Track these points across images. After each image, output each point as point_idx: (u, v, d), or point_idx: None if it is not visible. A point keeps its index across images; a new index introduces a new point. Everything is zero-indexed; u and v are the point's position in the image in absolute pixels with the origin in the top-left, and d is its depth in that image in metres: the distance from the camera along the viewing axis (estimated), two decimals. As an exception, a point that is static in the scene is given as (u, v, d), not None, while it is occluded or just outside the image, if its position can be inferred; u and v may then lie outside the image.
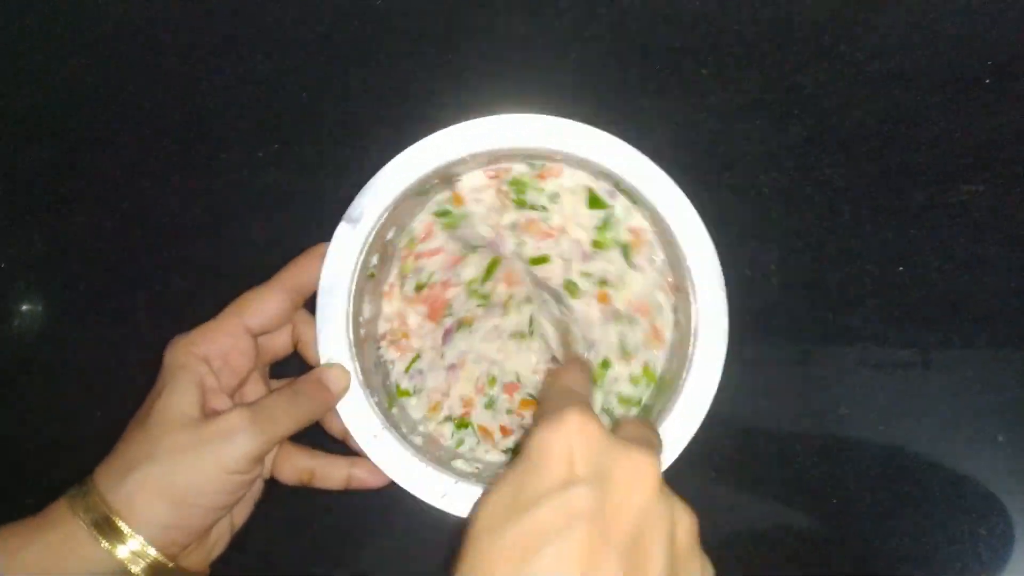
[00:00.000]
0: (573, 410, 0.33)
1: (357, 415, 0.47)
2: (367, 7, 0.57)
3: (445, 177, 0.50)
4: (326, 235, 0.48)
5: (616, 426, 0.38)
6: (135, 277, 0.57)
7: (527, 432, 0.36)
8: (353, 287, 0.48)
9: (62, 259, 0.57)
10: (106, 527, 0.40)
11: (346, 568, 0.54)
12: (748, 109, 0.55)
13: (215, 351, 0.45)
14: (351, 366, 0.47)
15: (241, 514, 0.48)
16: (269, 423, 0.43)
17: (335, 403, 0.47)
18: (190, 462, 0.41)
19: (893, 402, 0.54)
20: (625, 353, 0.51)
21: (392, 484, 0.47)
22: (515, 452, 0.52)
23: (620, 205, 0.51)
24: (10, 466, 0.57)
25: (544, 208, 0.51)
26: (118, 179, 0.57)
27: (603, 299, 0.51)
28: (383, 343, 0.52)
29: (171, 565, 0.41)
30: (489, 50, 0.57)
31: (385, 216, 0.48)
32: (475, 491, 0.46)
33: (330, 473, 0.48)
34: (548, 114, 0.48)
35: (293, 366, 0.50)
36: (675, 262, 0.48)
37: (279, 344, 0.49)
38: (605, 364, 0.51)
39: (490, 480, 0.48)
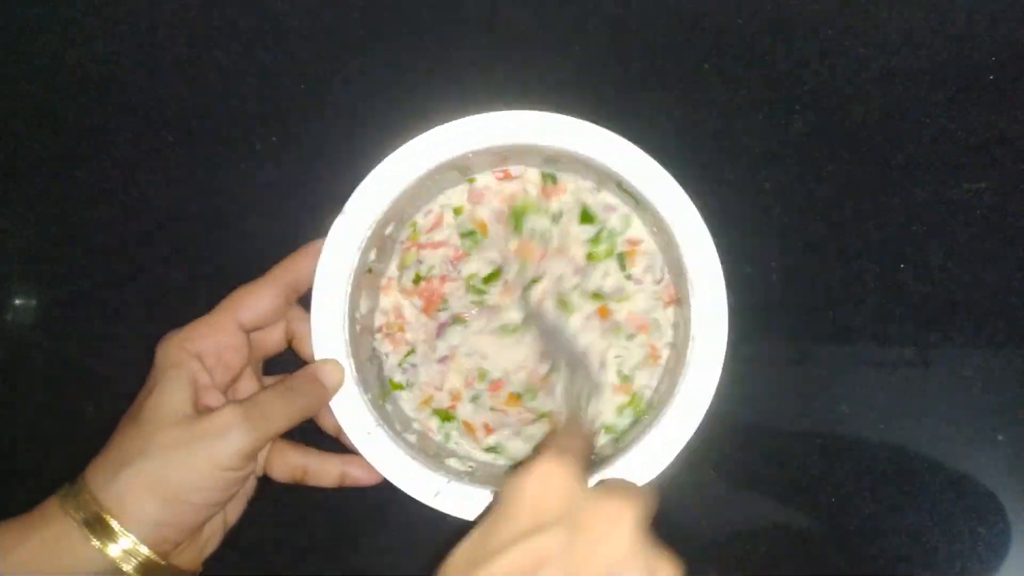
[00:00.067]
0: (547, 457, 0.33)
1: (351, 412, 0.47)
2: (368, 0, 0.56)
3: (461, 168, 0.50)
4: (324, 230, 0.48)
5: (599, 483, 0.38)
6: (130, 271, 0.57)
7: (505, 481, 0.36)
8: (350, 282, 0.48)
9: (56, 252, 0.57)
10: (97, 525, 0.40)
11: (339, 566, 0.54)
12: (750, 105, 0.55)
13: (208, 347, 0.45)
14: (346, 362, 0.47)
15: (234, 512, 0.47)
16: (262, 420, 0.43)
17: (329, 399, 0.47)
18: (182, 459, 0.41)
19: (893, 401, 0.54)
20: (623, 378, 0.51)
21: (385, 482, 0.47)
22: (494, 450, 0.51)
23: (616, 217, 0.51)
24: (2, 462, 0.56)
25: (543, 234, 0.51)
26: (114, 172, 0.57)
27: (604, 313, 0.51)
28: (378, 335, 0.52)
29: (163, 563, 0.41)
30: (490, 45, 0.56)
31: (383, 211, 0.48)
32: (468, 490, 0.46)
33: (323, 471, 0.48)
34: (549, 110, 0.48)
35: (287, 362, 0.50)
36: (675, 260, 0.48)
37: (273, 340, 0.49)
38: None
39: (483, 479, 0.48)
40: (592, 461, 0.46)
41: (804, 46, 0.55)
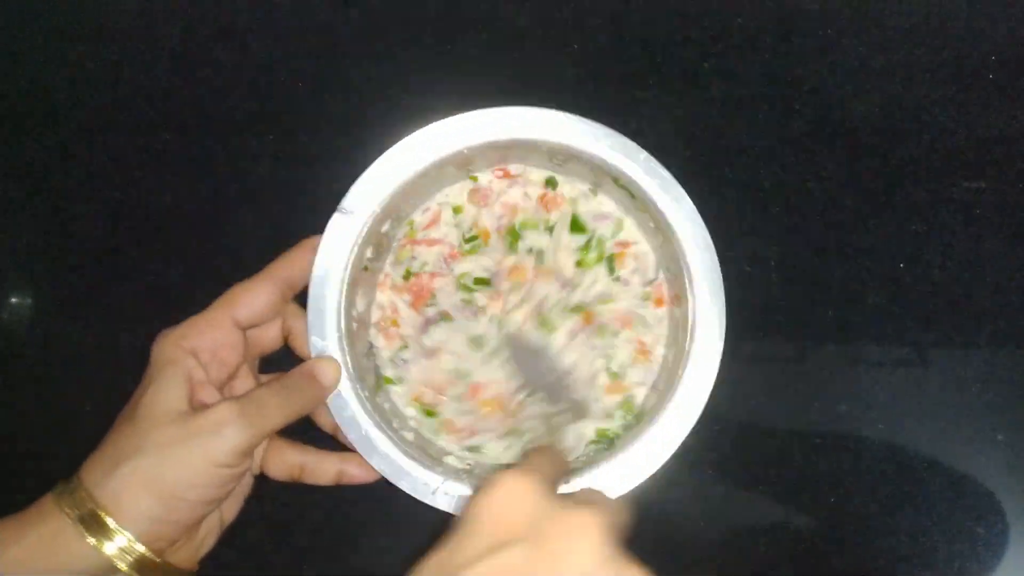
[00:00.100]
0: (512, 473, 0.33)
1: (347, 410, 0.47)
2: (365, -4, 0.56)
3: (459, 165, 0.50)
4: (321, 227, 0.48)
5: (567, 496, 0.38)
6: (125, 268, 0.56)
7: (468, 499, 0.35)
8: (346, 279, 0.48)
9: (52, 250, 0.57)
10: (93, 523, 0.39)
11: (336, 564, 0.54)
12: (750, 103, 0.55)
13: (204, 344, 0.45)
14: (342, 360, 0.47)
15: (231, 510, 0.47)
16: (258, 417, 0.43)
17: (326, 397, 0.46)
18: (178, 456, 0.41)
19: (892, 400, 0.53)
20: (613, 376, 0.51)
21: (383, 480, 0.47)
22: (476, 450, 0.51)
23: (607, 225, 0.51)
24: (-2, 459, 0.56)
25: (540, 252, 0.51)
26: (111, 169, 0.57)
27: (587, 319, 0.51)
28: (373, 330, 0.52)
29: (158, 561, 0.41)
30: (488, 41, 0.56)
31: (380, 208, 0.48)
32: (466, 489, 0.46)
33: (320, 468, 0.48)
34: (547, 107, 0.48)
35: (283, 360, 0.50)
36: (673, 258, 0.48)
37: (269, 337, 0.49)
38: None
39: (482, 477, 0.48)
40: (567, 475, 0.46)
41: (804, 44, 0.55)
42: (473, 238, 0.52)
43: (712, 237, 0.47)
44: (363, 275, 0.50)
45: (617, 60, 0.56)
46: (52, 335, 0.56)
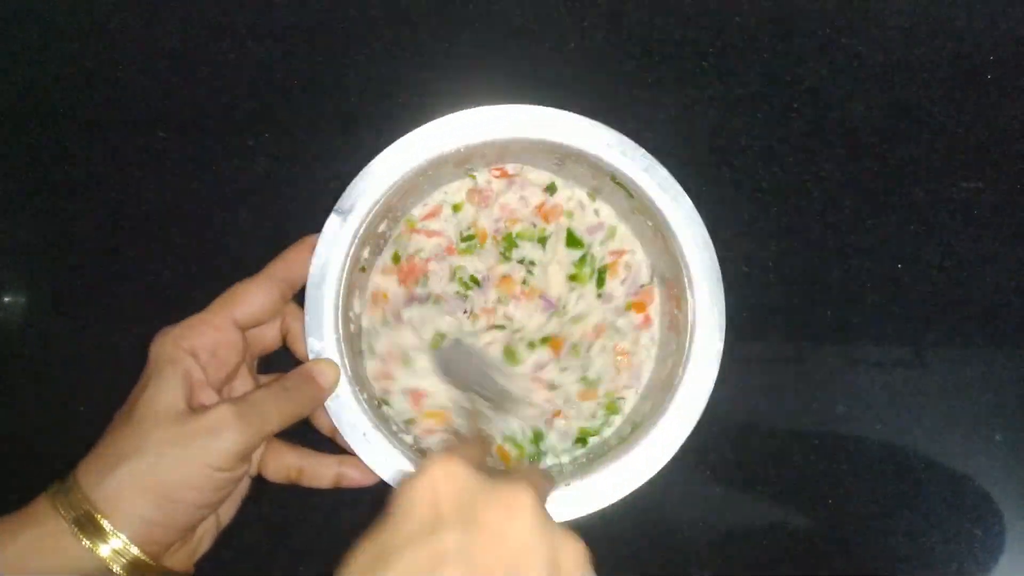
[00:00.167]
0: (438, 456, 0.33)
1: (346, 412, 0.46)
2: (362, -6, 0.56)
3: (457, 164, 0.50)
4: (318, 226, 0.48)
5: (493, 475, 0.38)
6: (122, 267, 0.56)
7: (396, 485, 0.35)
8: (343, 280, 0.47)
9: (47, 248, 0.57)
10: (88, 525, 0.39)
11: (333, 567, 0.54)
12: (748, 102, 0.55)
13: (203, 344, 0.44)
14: (340, 361, 0.47)
15: (227, 513, 0.47)
16: (257, 419, 0.42)
17: (325, 399, 0.46)
18: (176, 457, 0.41)
19: (891, 401, 0.53)
20: (588, 383, 0.51)
21: (381, 483, 0.46)
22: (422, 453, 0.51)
23: (601, 236, 0.51)
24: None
25: (531, 264, 0.51)
26: (107, 167, 0.56)
27: (556, 346, 0.51)
28: (358, 302, 0.51)
29: (153, 564, 0.41)
30: (486, 40, 0.56)
31: (376, 208, 0.48)
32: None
33: (318, 471, 0.47)
34: (545, 106, 0.48)
35: (281, 361, 0.49)
36: (672, 259, 0.48)
37: (268, 337, 0.49)
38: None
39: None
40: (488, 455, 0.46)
41: (803, 44, 0.55)
42: (470, 237, 0.52)
43: (711, 237, 0.47)
44: (360, 276, 0.50)
45: (616, 59, 0.55)
46: (49, 334, 0.56)
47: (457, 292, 0.51)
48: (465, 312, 0.51)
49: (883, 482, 0.53)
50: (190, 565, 0.45)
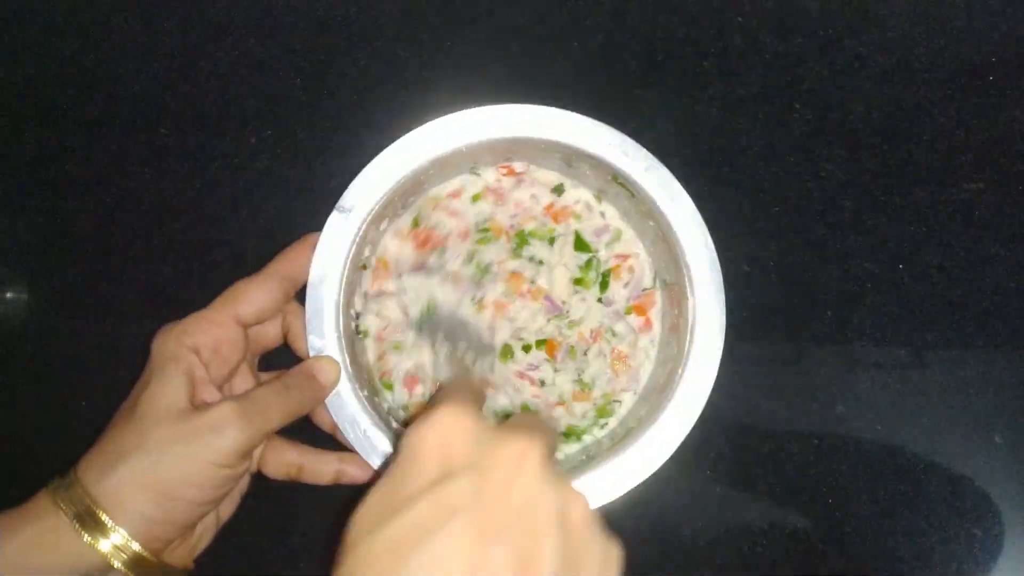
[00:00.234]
0: (445, 405, 0.32)
1: (346, 409, 0.47)
2: (364, -7, 0.56)
3: (459, 163, 0.50)
4: (320, 224, 0.48)
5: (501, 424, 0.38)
6: (124, 264, 0.56)
7: (400, 434, 0.35)
8: (344, 278, 0.47)
9: (49, 245, 0.57)
10: (89, 520, 0.39)
11: (332, 564, 0.54)
12: (749, 102, 0.55)
13: (205, 342, 0.44)
14: (341, 359, 0.47)
15: (227, 509, 0.47)
16: (258, 416, 0.42)
17: (325, 396, 0.46)
18: (177, 454, 0.41)
19: (890, 402, 0.53)
20: (583, 385, 0.51)
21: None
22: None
23: (606, 239, 0.51)
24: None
25: (540, 262, 0.51)
26: (108, 164, 0.56)
27: (552, 350, 0.51)
28: (366, 271, 0.51)
29: (154, 560, 0.41)
30: (487, 39, 0.56)
31: (378, 206, 0.48)
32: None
33: (319, 468, 0.48)
34: (546, 105, 0.48)
35: (282, 359, 0.49)
36: (673, 259, 0.48)
37: (269, 335, 0.49)
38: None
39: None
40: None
41: (804, 44, 0.55)
42: (486, 230, 0.52)
43: (711, 237, 0.47)
44: (361, 274, 0.50)
45: (617, 59, 0.55)
46: (50, 331, 0.56)
47: (472, 276, 0.51)
48: (472, 299, 0.51)
49: (882, 482, 0.53)
50: (190, 561, 0.45)
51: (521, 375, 0.51)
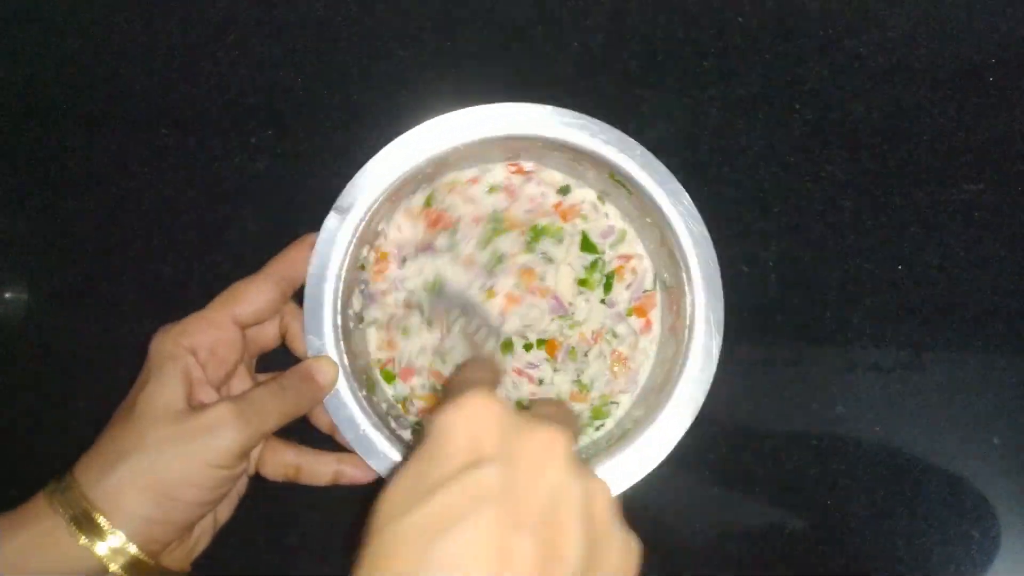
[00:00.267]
0: (476, 392, 0.32)
1: (345, 410, 0.46)
2: (364, -8, 0.56)
3: (457, 159, 0.50)
4: (319, 224, 0.48)
5: (526, 408, 0.38)
6: (122, 264, 0.56)
7: (429, 417, 0.35)
8: (342, 278, 0.47)
9: (48, 245, 0.57)
10: (86, 523, 0.39)
11: (332, 566, 0.54)
12: (749, 102, 0.55)
13: (203, 342, 0.44)
14: (339, 359, 0.47)
15: (225, 511, 0.47)
16: (256, 417, 0.42)
17: (323, 397, 0.46)
18: (175, 455, 0.41)
19: (889, 403, 0.53)
20: (582, 387, 0.51)
21: (380, 480, 0.46)
22: (416, 434, 0.51)
23: (611, 240, 0.51)
24: (-8, 457, 0.56)
25: (550, 260, 0.51)
26: (107, 164, 0.56)
27: (552, 350, 0.51)
28: (370, 254, 0.51)
29: (151, 563, 0.41)
30: (488, 39, 0.56)
31: (375, 206, 0.48)
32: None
33: (317, 469, 0.48)
34: (546, 104, 0.47)
35: (280, 360, 0.49)
36: (672, 259, 0.48)
37: (267, 336, 0.49)
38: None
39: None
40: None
41: (804, 44, 0.55)
42: (500, 220, 0.51)
43: (710, 237, 0.47)
44: (359, 274, 0.50)
45: (617, 59, 0.55)
46: (48, 331, 0.56)
47: (486, 264, 0.51)
48: (482, 286, 0.51)
49: (881, 484, 0.53)
50: (187, 564, 0.45)
51: (520, 372, 0.51)
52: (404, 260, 0.51)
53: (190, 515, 0.42)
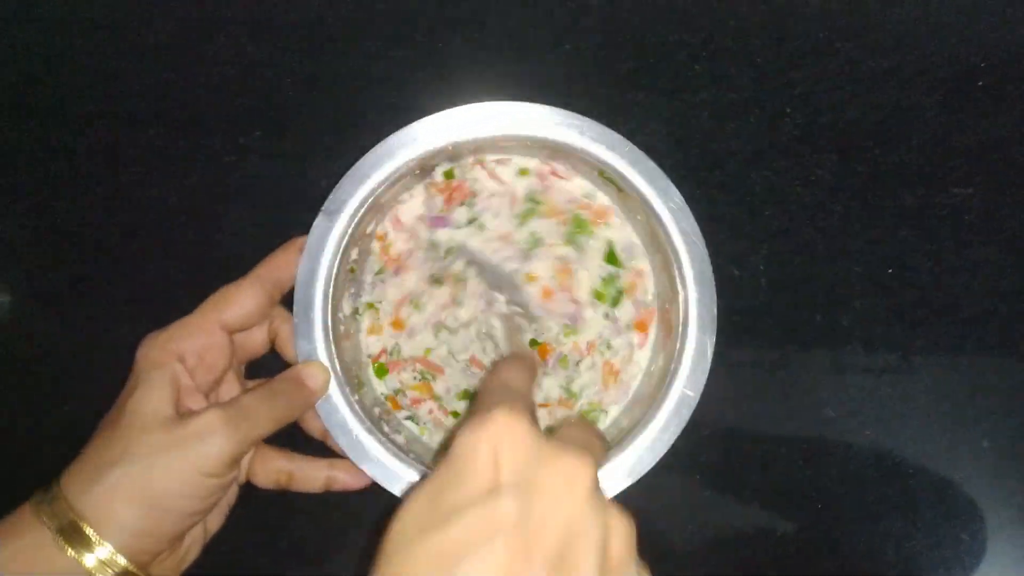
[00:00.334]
0: (502, 409, 0.31)
1: (337, 415, 0.46)
2: (355, -7, 0.55)
3: (450, 159, 0.49)
4: (309, 225, 0.47)
5: (556, 427, 0.37)
6: (110, 267, 0.55)
7: (452, 433, 0.34)
8: (332, 282, 0.47)
9: (34, 247, 0.56)
10: (73, 534, 0.38)
11: (321, 569, 0.53)
12: (740, 106, 0.55)
13: (190, 348, 0.44)
14: (329, 363, 0.46)
15: (215, 520, 0.46)
16: (246, 423, 0.42)
17: (314, 402, 0.46)
18: (164, 464, 0.40)
19: (879, 406, 0.54)
20: (570, 393, 0.51)
21: (373, 485, 0.46)
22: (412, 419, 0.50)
23: (629, 262, 0.51)
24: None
25: (582, 260, 0.51)
26: (97, 164, 0.56)
27: (544, 353, 0.51)
28: (376, 243, 0.51)
29: (141, 574, 0.40)
30: (480, 41, 0.55)
31: (364, 209, 0.47)
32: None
33: (309, 475, 0.47)
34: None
35: (270, 367, 0.49)
36: (666, 261, 0.48)
37: (256, 342, 0.48)
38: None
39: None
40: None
41: (796, 48, 0.55)
42: (536, 202, 0.51)
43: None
44: (348, 277, 0.49)
45: (609, 61, 0.55)
46: (34, 334, 0.55)
47: (523, 245, 0.50)
48: (516, 270, 0.50)
49: (871, 487, 0.53)
50: (177, 575, 0.44)
51: None
52: (417, 235, 0.50)
53: (180, 525, 0.41)
